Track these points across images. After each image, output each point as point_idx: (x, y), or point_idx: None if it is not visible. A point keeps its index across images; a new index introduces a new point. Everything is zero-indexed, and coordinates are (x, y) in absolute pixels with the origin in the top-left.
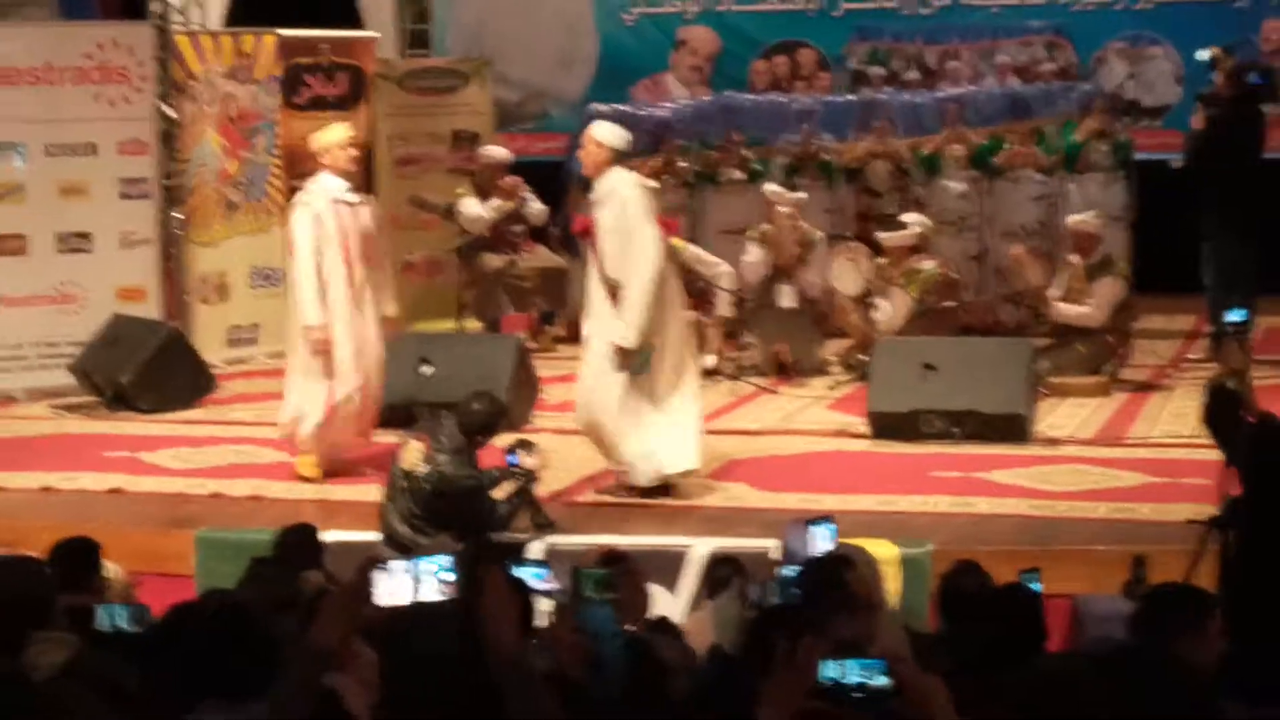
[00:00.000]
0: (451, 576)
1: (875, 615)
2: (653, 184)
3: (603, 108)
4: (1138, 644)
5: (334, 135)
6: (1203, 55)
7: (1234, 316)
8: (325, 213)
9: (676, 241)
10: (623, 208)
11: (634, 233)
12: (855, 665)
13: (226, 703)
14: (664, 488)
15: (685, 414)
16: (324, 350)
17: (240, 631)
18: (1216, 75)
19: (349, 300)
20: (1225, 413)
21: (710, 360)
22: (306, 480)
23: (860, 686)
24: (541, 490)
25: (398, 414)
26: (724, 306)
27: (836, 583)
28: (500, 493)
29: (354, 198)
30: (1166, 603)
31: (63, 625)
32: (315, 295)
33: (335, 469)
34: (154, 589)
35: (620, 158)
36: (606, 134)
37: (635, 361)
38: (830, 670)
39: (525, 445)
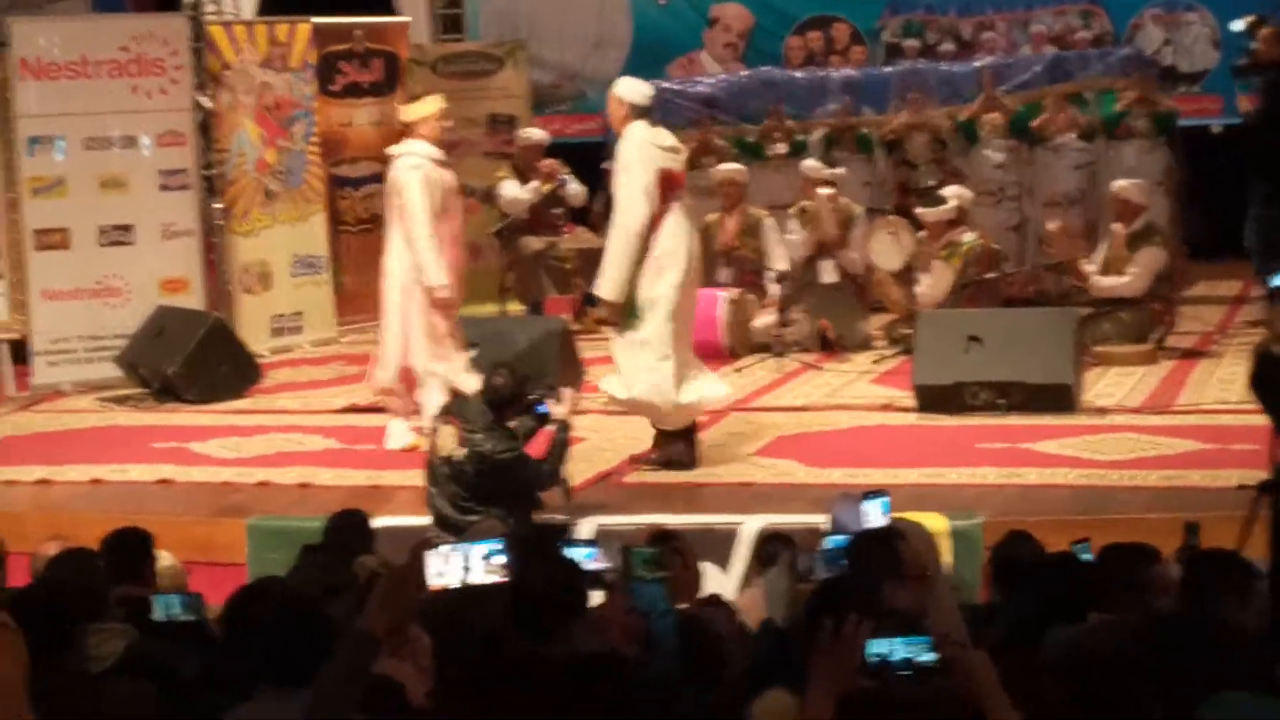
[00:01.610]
0: (503, 558)
1: (928, 587)
2: (673, 143)
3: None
4: (1185, 609)
5: (429, 107)
6: (1238, 25)
7: (1278, 280)
8: (434, 174)
9: (767, 220)
10: (621, 156)
11: (621, 183)
12: (902, 642)
13: (282, 690)
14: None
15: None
16: (451, 307)
17: (295, 618)
18: (1258, 43)
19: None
20: (1273, 378)
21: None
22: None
23: (907, 663)
24: (589, 470)
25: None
26: (773, 290)
27: (888, 553)
28: (538, 450)
29: (448, 161)
30: (1211, 568)
31: (118, 616)
32: (437, 255)
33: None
34: (206, 578)
35: (641, 112)
36: (627, 90)
37: (619, 314)
38: (877, 647)
39: (553, 392)
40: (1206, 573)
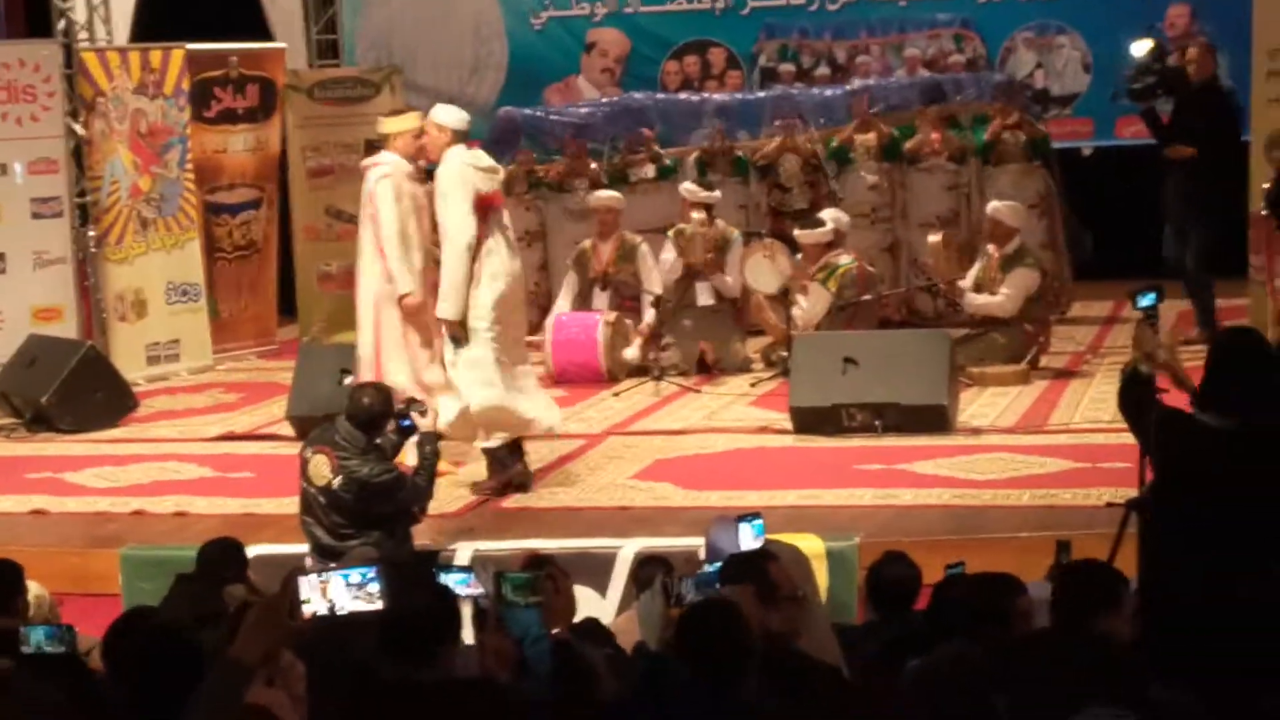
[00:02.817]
0: (377, 585)
1: (800, 608)
2: (490, 164)
3: (515, 112)
4: (1058, 625)
5: (407, 123)
6: (1141, 49)
7: (1145, 301)
8: (404, 184)
9: (642, 245)
10: (440, 181)
11: (442, 207)
12: None
13: None
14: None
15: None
16: (419, 312)
17: (166, 649)
18: (1188, 63)
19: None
20: (1138, 398)
21: (632, 354)
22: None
23: None
24: (467, 495)
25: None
26: (649, 315)
27: (757, 575)
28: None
29: (419, 176)
30: (1081, 580)
31: None
32: (405, 263)
33: None
34: (80, 609)
35: (460, 137)
36: (445, 116)
37: (457, 332)
38: None
39: (414, 404)
40: (1077, 585)
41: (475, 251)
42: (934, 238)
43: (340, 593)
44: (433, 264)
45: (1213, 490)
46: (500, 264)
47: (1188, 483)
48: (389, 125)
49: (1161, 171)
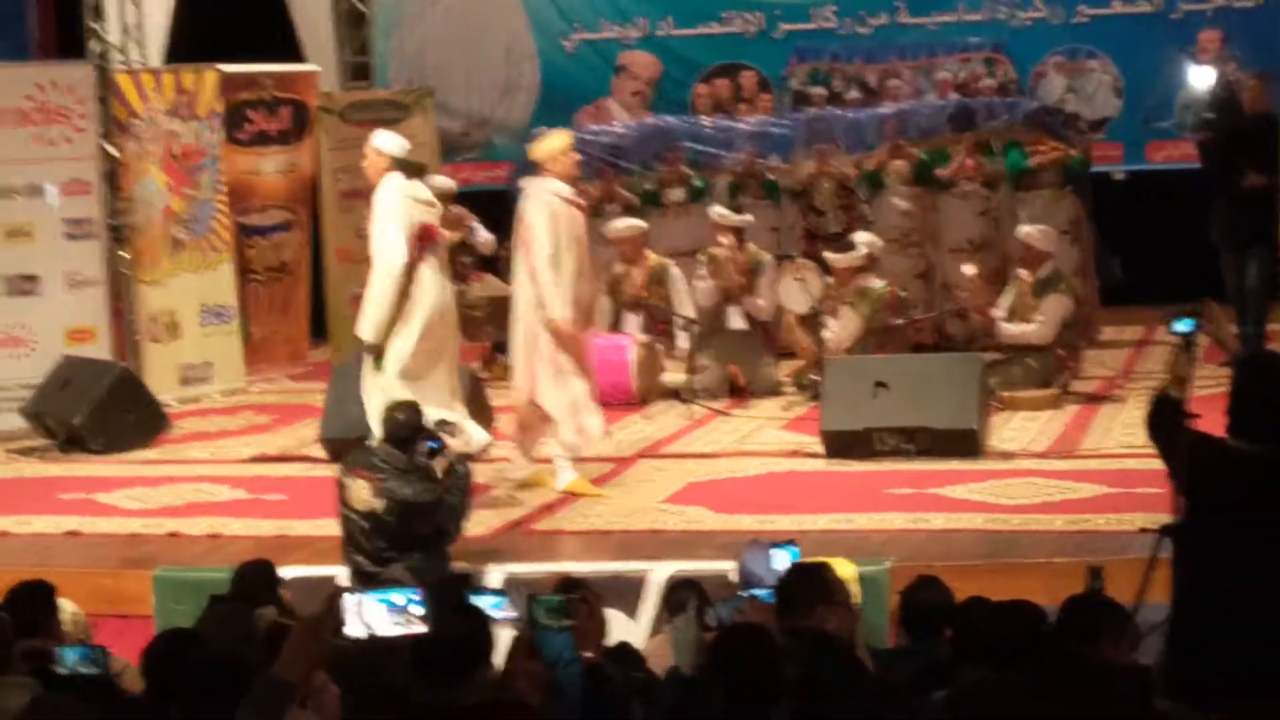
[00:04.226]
0: (421, 609)
1: (856, 617)
2: (429, 197)
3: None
4: (1064, 651)
5: (557, 142)
6: (1202, 79)
7: (1182, 327)
8: (560, 210)
9: (673, 269)
10: (379, 204)
11: (377, 230)
12: None
13: None
14: None
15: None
16: (570, 341)
17: (215, 670)
18: (1243, 95)
19: (575, 299)
20: (1165, 421)
21: (672, 378)
22: (587, 495)
23: None
24: (498, 518)
25: (353, 447)
26: (682, 340)
27: (818, 581)
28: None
29: (578, 200)
30: (1083, 610)
31: (21, 669)
32: (559, 287)
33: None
34: (112, 630)
35: (398, 164)
36: (384, 142)
37: (376, 355)
38: None
39: (444, 425)
40: (1078, 616)
41: (407, 279)
42: (970, 270)
43: (381, 615)
44: (586, 287)
45: (1245, 516)
46: (431, 296)
47: (1220, 508)
48: (539, 150)
49: (1210, 199)
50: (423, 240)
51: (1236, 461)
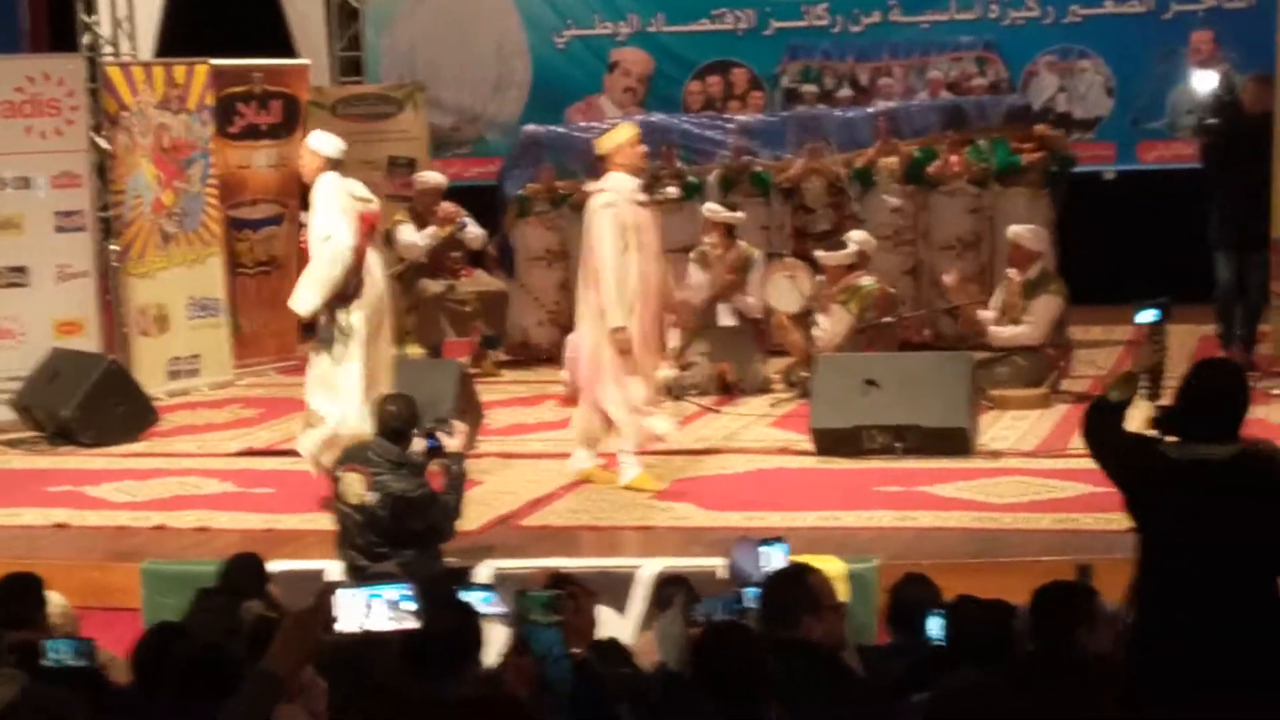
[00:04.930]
0: (413, 604)
1: (842, 619)
2: (365, 194)
3: (538, 130)
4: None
5: (623, 135)
6: (1206, 82)
7: (1146, 316)
8: (626, 213)
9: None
10: (318, 199)
11: (323, 217)
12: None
13: None
14: None
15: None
16: (629, 350)
17: (204, 662)
18: (1241, 95)
19: (641, 297)
20: (1102, 424)
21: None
22: (647, 490)
23: None
24: (488, 513)
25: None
26: (672, 336)
27: (801, 588)
28: (438, 484)
29: (644, 197)
30: (1055, 600)
31: (9, 661)
32: (620, 297)
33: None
34: (100, 622)
35: (332, 164)
36: (320, 143)
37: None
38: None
39: (443, 424)
40: (1052, 604)
41: (356, 264)
42: (949, 278)
43: (373, 611)
44: (657, 281)
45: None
46: (378, 279)
47: (1154, 510)
48: (605, 143)
49: (1202, 200)
50: (364, 229)
51: (1167, 464)
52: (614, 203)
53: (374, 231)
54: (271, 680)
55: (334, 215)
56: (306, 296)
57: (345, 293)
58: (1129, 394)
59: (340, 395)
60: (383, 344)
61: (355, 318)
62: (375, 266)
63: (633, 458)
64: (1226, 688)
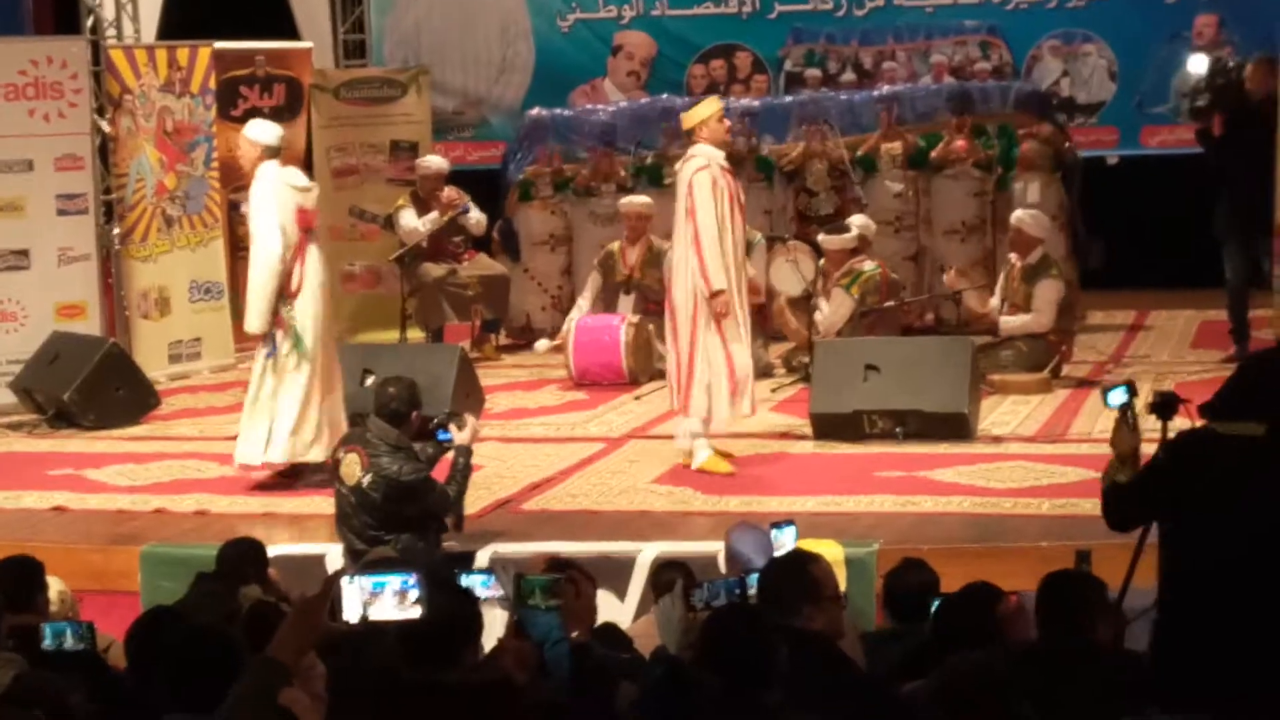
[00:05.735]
0: (417, 592)
1: (842, 608)
2: (305, 183)
3: (542, 113)
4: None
5: (707, 109)
6: (1199, 65)
7: (1116, 398)
8: (719, 178)
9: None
10: (255, 195)
11: (255, 220)
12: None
13: (189, 717)
14: None
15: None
16: (728, 313)
17: (204, 645)
18: (1244, 78)
19: (735, 266)
20: (1123, 510)
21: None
22: (719, 473)
23: None
24: (487, 497)
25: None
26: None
27: (800, 577)
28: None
29: (731, 169)
30: (1060, 588)
31: (8, 645)
32: (719, 260)
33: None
34: (99, 606)
35: (272, 153)
36: (258, 132)
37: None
38: None
39: (454, 418)
40: (1058, 594)
41: (296, 262)
42: (947, 276)
43: (378, 600)
44: (745, 256)
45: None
46: (315, 277)
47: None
48: (692, 117)
49: (1204, 184)
50: (302, 223)
51: (1221, 443)
52: (707, 165)
53: (313, 225)
54: (275, 667)
55: (269, 215)
56: (252, 315)
57: (287, 290)
58: (1133, 469)
59: (278, 414)
60: (327, 337)
61: (299, 313)
62: (314, 259)
63: (703, 440)
64: (1265, 684)
